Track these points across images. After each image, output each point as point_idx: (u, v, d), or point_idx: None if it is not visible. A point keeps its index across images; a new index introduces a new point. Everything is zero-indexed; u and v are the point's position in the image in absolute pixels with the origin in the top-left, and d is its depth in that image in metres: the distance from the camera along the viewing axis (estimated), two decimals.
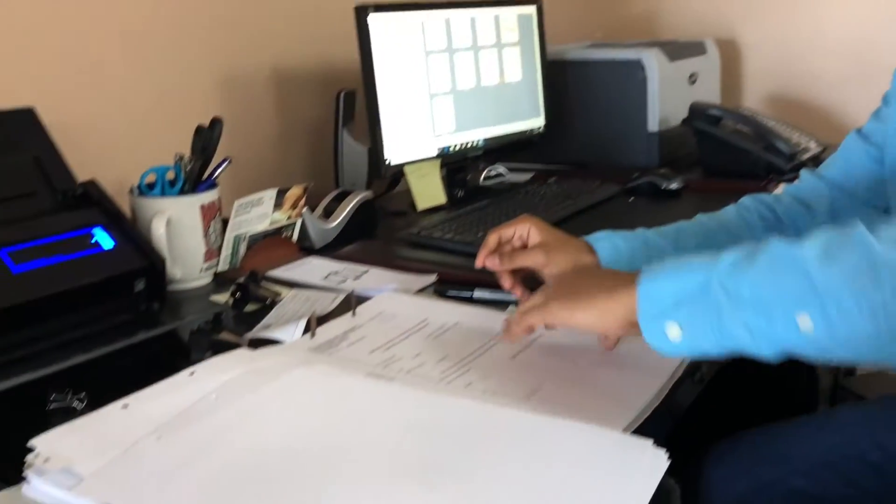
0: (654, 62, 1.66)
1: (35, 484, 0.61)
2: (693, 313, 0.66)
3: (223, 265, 1.13)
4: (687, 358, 0.78)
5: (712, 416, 1.07)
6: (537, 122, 1.65)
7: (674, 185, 1.51)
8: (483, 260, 0.95)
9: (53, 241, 0.92)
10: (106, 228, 0.96)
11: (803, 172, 1.08)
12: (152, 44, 1.30)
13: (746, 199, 1.05)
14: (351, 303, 0.95)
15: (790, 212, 1.03)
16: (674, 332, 0.67)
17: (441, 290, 1.03)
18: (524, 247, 0.95)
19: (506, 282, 0.95)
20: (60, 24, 1.17)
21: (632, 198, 1.49)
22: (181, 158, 1.11)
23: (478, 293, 1.00)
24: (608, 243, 0.94)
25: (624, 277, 0.74)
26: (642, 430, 0.69)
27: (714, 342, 0.66)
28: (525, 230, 0.95)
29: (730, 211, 1.03)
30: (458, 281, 1.04)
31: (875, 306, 0.59)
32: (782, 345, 0.64)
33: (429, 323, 0.92)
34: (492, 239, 0.96)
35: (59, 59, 1.17)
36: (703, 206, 1.05)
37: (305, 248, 1.22)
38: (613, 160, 1.70)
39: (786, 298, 0.62)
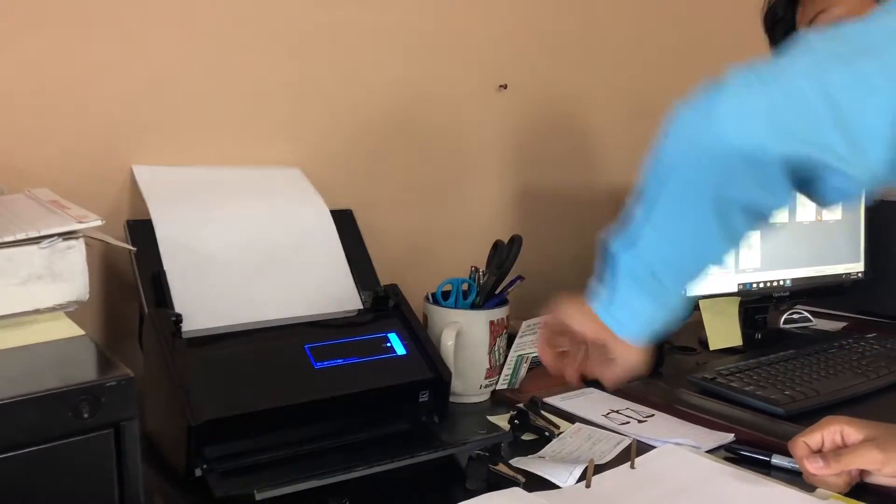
0: None
1: None
2: None
3: (502, 383, 1.11)
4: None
5: None
6: (855, 266, 1.48)
7: None
8: (811, 467, 0.83)
9: (353, 341, 0.95)
10: (400, 335, 0.97)
11: None
12: (461, 161, 1.35)
13: None
14: (631, 453, 0.88)
15: None
16: None
17: (733, 449, 0.94)
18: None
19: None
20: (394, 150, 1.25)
21: None
22: (476, 271, 1.12)
23: (776, 460, 0.89)
24: None
25: None
26: None
27: None
28: (836, 432, 0.84)
29: None
30: (756, 444, 0.94)
31: None
32: None
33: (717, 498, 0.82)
34: (800, 448, 0.85)
35: (377, 168, 1.25)
36: None
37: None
38: None
39: None
